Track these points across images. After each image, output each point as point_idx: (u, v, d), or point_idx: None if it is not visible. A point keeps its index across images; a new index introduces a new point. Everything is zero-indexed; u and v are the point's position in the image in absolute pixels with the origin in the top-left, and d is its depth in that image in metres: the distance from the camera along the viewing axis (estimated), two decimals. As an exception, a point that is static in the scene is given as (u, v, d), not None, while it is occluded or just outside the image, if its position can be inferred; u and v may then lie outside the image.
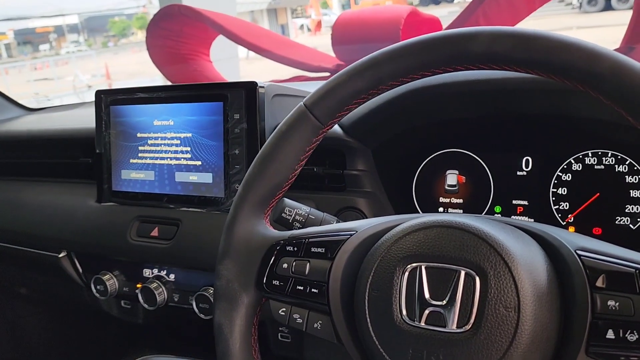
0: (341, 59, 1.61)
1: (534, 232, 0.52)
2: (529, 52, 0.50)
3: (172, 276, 0.91)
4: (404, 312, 0.50)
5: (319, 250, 0.58)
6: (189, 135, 0.89)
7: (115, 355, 1.17)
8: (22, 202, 1.07)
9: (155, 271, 0.92)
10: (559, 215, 0.80)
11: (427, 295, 0.49)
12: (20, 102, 1.56)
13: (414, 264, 0.50)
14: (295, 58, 1.60)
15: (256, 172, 0.62)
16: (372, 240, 0.57)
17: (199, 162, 0.88)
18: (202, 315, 0.85)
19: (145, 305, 0.90)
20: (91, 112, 1.38)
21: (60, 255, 1.00)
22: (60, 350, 1.32)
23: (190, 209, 0.89)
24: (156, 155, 0.92)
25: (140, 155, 0.94)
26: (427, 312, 0.49)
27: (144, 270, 0.93)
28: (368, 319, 0.51)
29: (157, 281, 0.90)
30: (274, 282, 0.59)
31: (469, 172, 0.86)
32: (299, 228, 0.73)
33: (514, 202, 0.84)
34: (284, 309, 0.59)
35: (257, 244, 0.61)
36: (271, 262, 0.60)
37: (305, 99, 0.62)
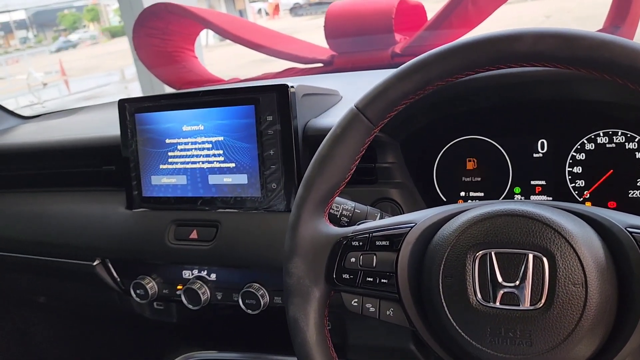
0: (335, 51, 1.64)
1: (585, 215, 0.58)
2: (572, 50, 0.55)
3: (213, 276, 0.94)
4: (479, 294, 0.55)
5: (384, 243, 0.63)
6: (221, 138, 0.92)
7: (151, 356, 1.20)
8: (49, 214, 1.08)
9: (196, 272, 0.95)
10: (576, 192, 0.87)
11: (499, 278, 0.55)
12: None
13: (484, 251, 0.56)
14: (289, 51, 1.62)
15: (316, 174, 0.66)
16: (432, 230, 0.62)
17: (233, 164, 0.91)
18: (249, 311, 0.89)
19: (190, 306, 0.93)
20: (91, 117, 1.39)
21: (95, 263, 1.02)
22: (95, 355, 1.34)
23: (227, 210, 0.92)
24: (187, 159, 0.95)
25: (170, 160, 0.96)
26: (501, 293, 0.54)
27: (184, 272, 0.96)
28: (444, 304, 0.56)
29: (199, 281, 0.93)
30: (344, 275, 0.64)
31: (487, 157, 0.92)
32: (347, 222, 0.78)
33: (532, 182, 0.90)
34: (356, 300, 0.63)
35: (323, 241, 0.65)
36: (338, 257, 0.64)
37: (356, 102, 0.66)
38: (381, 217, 0.79)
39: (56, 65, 14.86)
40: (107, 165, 1.07)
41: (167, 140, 0.96)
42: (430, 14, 1.70)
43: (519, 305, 0.53)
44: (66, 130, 1.26)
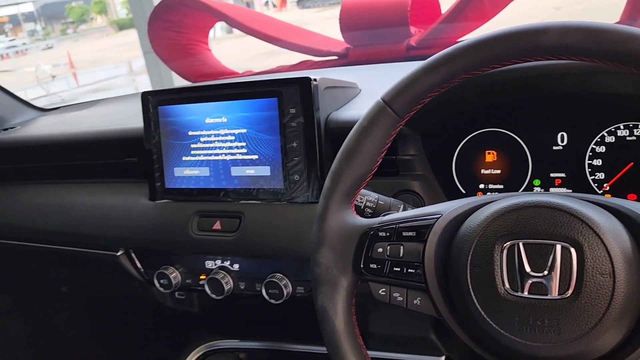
0: (350, 43, 1.65)
1: (610, 207, 0.59)
2: (599, 44, 0.55)
3: (236, 266, 0.95)
4: (507, 284, 0.56)
5: (411, 234, 0.64)
6: (244, 130, 0.93)
7: (172, 345, 1.22)
8: (72, 205, 1.10)
9: (219, 262, 0.96)
10: (595, 184, 0.87)
11: (527, 268, 0.56)
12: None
13: (512, 241, 0.57)
14: (304, 44, 1.63)
15: (343, 166, 0.67)
16: (458, 221, 0.63)
17: (256, 156, 0.93)
18: (272, 301, 0.91)
19: (213, 295, 0.95)
20: (109, 110, 1.40)
21: (119, 254, 1.04)
22: (117, 344, 1.36)
23: (250, 202, 0.94)
24: (210, 151, 0.96)
25: (193, 152, 0.98)
26: (529, 283, 0.55)
27: (207, 262, 0.98)
28: (472, 293, 0.57)
29: (223, 271, 0.95)
30: (371, 265, 0.65)
31: (506, 150, 0.92)
32: (370, 214, 0.79)
33: (552, 175, 0.90)
34: (384, 289, 0.65)
35: (350, 232, 0.66)
36: (365, 247, 0.66)
37: (383, 95, 0.67)
38: (404, 209, 0.80)
39: (65, 58, 14.93)
40: (129, 157, 1.09)
41: (190, 133, 0.97)
42: (445, 7, 1.71)
43: (547, 294, 0.55)
44: (85, 123, 1.28)
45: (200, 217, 0.96)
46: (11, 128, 1.36)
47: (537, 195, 0.59)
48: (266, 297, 0.91)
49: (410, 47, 1.57)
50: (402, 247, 0.64)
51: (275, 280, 0.90)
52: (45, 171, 1.21)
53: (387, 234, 0.65)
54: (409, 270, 0.63)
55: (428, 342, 0.95)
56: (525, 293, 0.55)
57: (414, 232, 0.64)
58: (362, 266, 0.65)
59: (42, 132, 1.26)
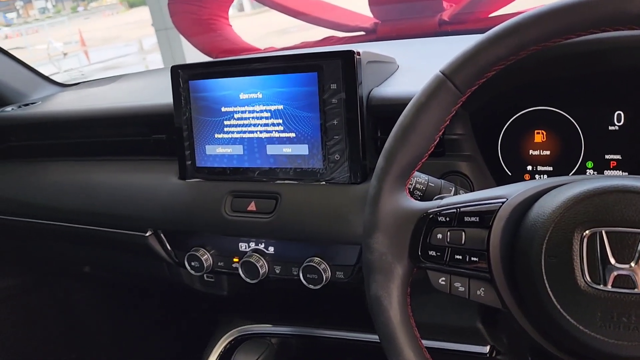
0: (378, 18, 1.58)
1: None
2: None
3: (271, 249, 0.91)
4: (587, 276, 0.51)
5: (473, 219, 0.59)
6: (280, 107, 0.88)
7: (201, 328, 1.19)
8: (97, 183, 1.06)
9: (253, 244, 0.92)
10: None
11: (611, 259, 0.51)
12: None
13: (594, 229, 0.52)
14: (331, 19, 1.57)
15: (398, 144, 0.62)
16: (525, 206, 0.58)
17: (293, 134, 0.88)
18: (311, 286, 0.87)
19: (247, 279, 0.91)
20: (132, 85, 1.36)
21: (147, 234, 1.00)
22: (141, 326, 1.33)
23: (286, 182, 0.89)
24: (244, 129, 0.91)
25: (226, 129, 0.93)
26: (613, 275, 0.50)
27: (240, 244, 0.93)
28: (547, 286, 0.53)
29: (257, 254, 0.91)
30: (430, 252, 0.60)
31: (557, 130, 0.87)
32: (420, 196, 0.74)
33: (607, 156, 0.85)
34: (444, 278, 0.60)
35: (406, 216, 0.62)
36: (423, 233, 0.61)
37: (443, 68, 0.62)
38: (456, 192, 0.76)
39: (76, 36, 14.89)
40: (157, 134, 1.04)
41: (223, 109, 0.93)
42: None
43: (634, 288, 0.50)
44: (109, 99, 1.23)
45: (234, 198, 0.92)
46: (32, 103, 1.32)
47: (621, 180, 0.54)
48: (304, 282, 0.87)
49: (443, 22, 1.51)
50: (464, 233, 0.59)
51: (314, 264, 0.86)
52: (70, 148, 1.17)
53: (447, 219, 0.60)
54: (472, 258, 0.58)
55: (474, 330, 0.91)
56: (609, 286, 0.51)
57: (477, 218, 0.59)
58: (419, 253, 0.61)
59: (65, 107, 1.21)
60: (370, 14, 1.65)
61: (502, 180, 0.89)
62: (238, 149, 0.93)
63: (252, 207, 0.90)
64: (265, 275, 0.91)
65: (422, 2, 1.54)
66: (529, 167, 0.89)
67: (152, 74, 1.45)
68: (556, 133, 0.87)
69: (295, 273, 0.89)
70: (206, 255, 0.95)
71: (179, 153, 0.97)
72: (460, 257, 0.59)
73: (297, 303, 1.10)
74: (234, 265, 0.93)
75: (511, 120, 0.89)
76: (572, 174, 0.87)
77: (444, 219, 0.60)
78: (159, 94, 1.07)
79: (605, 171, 0.86)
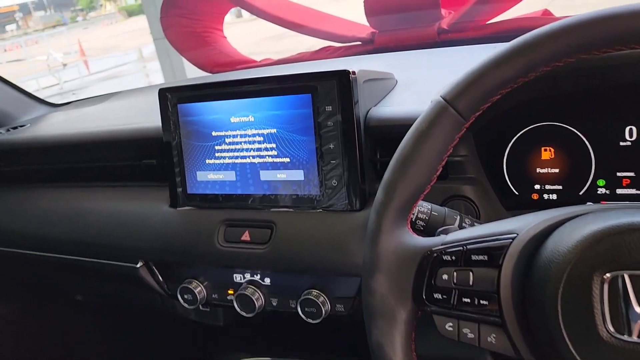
0: (375, 28, 1.54)
1: None
2: None
3: (267, 280, 0.87)
4: (610, 325, 0.46)
5: (481, 257, 0.54)
6: (273, 130, 0.84)
7: (196, 358, 1.14)
8: (87, 212, 1.01)
9: (248, 276, 0.88)
10: None
11: (636, 306, 0.46)
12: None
13: (615, 272, 0.47)
14: (328, 30, 1.53)
15: (397, 176, 0.58)
16: (536, 242, 0.53)
17: (287, 159, 0.83)
18: (310, 320, 0.82)
19: (243, 313, 0.86)
20: (124, 104, 1.31)
21: (138, 266, 0.95)
22: (135, 356, 1.29)
23: (282, 210, 0.85)
24: (236, 154, 0.87)
25: (217, 155, 0.88)
26: (639, 324, 0.46)
27: (235, 275, 0.89)
28: (565, 335, 0.48)
29: (252, 286, 0.86)
30: (436, 295, 0.55)
31: (565, 146, 0.82)
32: (423, 227, 0.69)
33: (619, 174, 0.80)
34: (451, 324, 0.55)
35: (408, 255, 0.57)
36: (427, 273, 0.56)
37: (444, 93, 0.57)
38: (461, 220, 0.71)
39: (75, 46, 14.89)
40: (147, 158, 1.00)
41: (214, 133, 0.88)
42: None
43: None
44: (100, 120, 1.19)
45: (227, 227, 0.87)
46: (21, 126, 1.28)
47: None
48: (303, 316, 0.82)
49: (442, 31, 1.46)
50: (471, 273, 0.54)
51: (312, 297, 0.81)
52: (59, 173, 1.13)
53: (453, 257, 0.55)
54: (482, 301, 0.53)
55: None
56: (634, 337, 0.46)
57: (485, 256, 0.54)
58: (424, 296, 0.56)
59: (53, 131, 1.17)
60: (367, 23, 1.61)
61: (509, 201, 0.84)
62: (230, 175, 0.88)
63: (246, 236, 0.85)
64: (261, 308, 0.86)
65: (420, 12, 1.50)
66: (537, 186, 0.85)
67: (144, 91, 1.41)
68: (564, 150, 0.82)
69: (293, 306, 0.84)
70: (199, 288, 0.90)
71: (169, 180, 0.93)
72: (469, 300, 0.54)
73: (297, 334, 1.06)
74: (228, 297, 0.89)
75: (516, 137, 0.84)
76: (583, 193, 0.82)
77: (449, 258, 0.56)
78: (150, 113, 1.03)
79: (617, 189, 0.81)
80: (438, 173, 0.59)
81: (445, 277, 0.55)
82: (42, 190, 1.12)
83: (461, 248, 0.55)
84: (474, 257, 0.55)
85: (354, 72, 0.78)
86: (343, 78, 0.78)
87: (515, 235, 0.54)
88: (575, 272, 0.48)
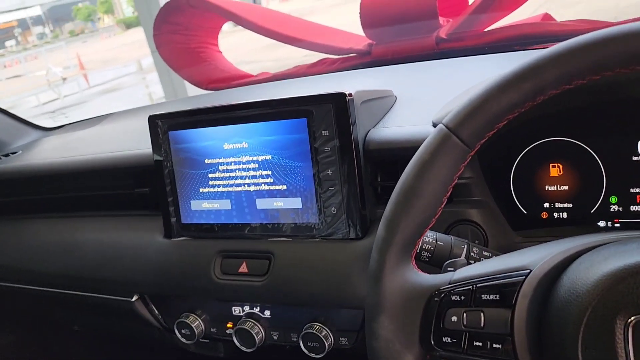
0: (372, 39, 1.50)
1: None
2: None
3: (267, 313, 0.83)
4: None
5: (493, 297, 0.51)
6: (269, 157, 0.80)
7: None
8: (79, 244, 0.97)
9: (247, 308, 0.84)
10: None
11: None
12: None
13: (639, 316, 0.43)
14: (324, 42, 1.50)
15: (400, 211, 0.54)
16: (552, 278, 0.50)
17: (284, 187, 0.80)
18: (312, 355, 0.78)
19: (243, 348, 0.82)
20: (119, 127, 1.28)
21: (133, 300, 0.92)
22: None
23: (280, 239, 0.81)
24: (231, 182, 0.83)
25: (211, 183, 0.85)
26: None
27: (233, 308, 0.85)
28: None
29: (251, 320, 0.82)
30: (445, 339, 0.52)
31: (574, 162, 0.78)
32: (428, 258, 0.66)
33: (632, 190, 0.77)
34: None
35: (414, 295, 0.53)
36: (435, 314, 0.52)
37: (446, 120, 0.54)
38: (468, 249, 0.67)
39: (74, 60, 14.92)
40: (140, 187, 0.96)
41: (207, 161, 0.85)
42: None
43: None
44: (93, 145, 1.16)
45: (224, 258, 0.84)
46: (12, 153, 1.24)
47: None
48: (305, 350, 0.78)
49: (441, 40, 1.42)
50: (482, 314, 0.50)
51: (314, 331, 0.77)
52: (51, 203, 1.09)
53: (462, 297, 0.52)
54: (494, 345, 0.50)
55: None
56: None
57: (497, 295, 0.50)
58: (432, 340, 0.52)
59: (44, 159, 1.14)
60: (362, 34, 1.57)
61: (517, 220, 0.81)
62: (225, 204, 0.84)
63: (243, 268, 0.82)
64: (262, 342, 0.83)
65: (416, 22, 1.46)
66: (546, 204, 0.81)
67: (138, 112, 1.37)
68: (574, 166, 0.78)
69: (294, 340, 0.80)
70: (197, 322, 0.87)
71: (163, 210, 0.89)
72: (481, 343, 0.50)
73: None
74: (227, 331, 0.85)
75: (523, 153, 0.80)
76: (595, 210, 0.78)
77: (458, 298, 0.52)
78: (144, 137, 1.00)
79: (632, 206, 0.77)
80: (443, 205, 0.55)
81: (454, 318, 0.51)
82: (34, 221, 1.09)
83: (470, 287, 0.52)
84: (484, 297, 0.51)
85: (350, 94, 0.75)
86: (339, 101, 0.74)
87: (528, 271, 0.50)
88: (596, 315, 0.44)
